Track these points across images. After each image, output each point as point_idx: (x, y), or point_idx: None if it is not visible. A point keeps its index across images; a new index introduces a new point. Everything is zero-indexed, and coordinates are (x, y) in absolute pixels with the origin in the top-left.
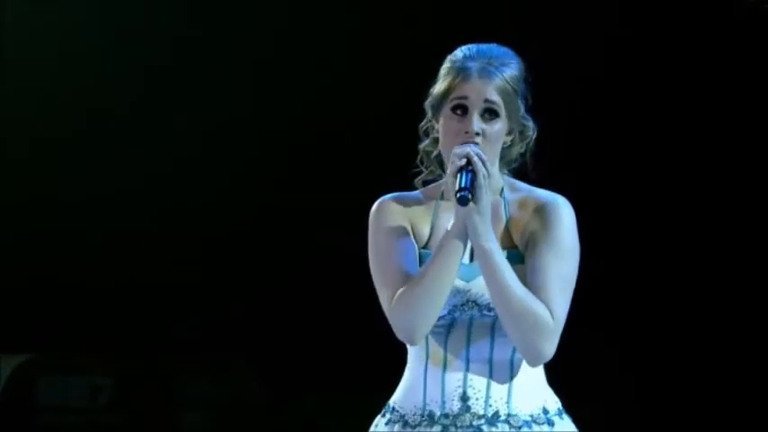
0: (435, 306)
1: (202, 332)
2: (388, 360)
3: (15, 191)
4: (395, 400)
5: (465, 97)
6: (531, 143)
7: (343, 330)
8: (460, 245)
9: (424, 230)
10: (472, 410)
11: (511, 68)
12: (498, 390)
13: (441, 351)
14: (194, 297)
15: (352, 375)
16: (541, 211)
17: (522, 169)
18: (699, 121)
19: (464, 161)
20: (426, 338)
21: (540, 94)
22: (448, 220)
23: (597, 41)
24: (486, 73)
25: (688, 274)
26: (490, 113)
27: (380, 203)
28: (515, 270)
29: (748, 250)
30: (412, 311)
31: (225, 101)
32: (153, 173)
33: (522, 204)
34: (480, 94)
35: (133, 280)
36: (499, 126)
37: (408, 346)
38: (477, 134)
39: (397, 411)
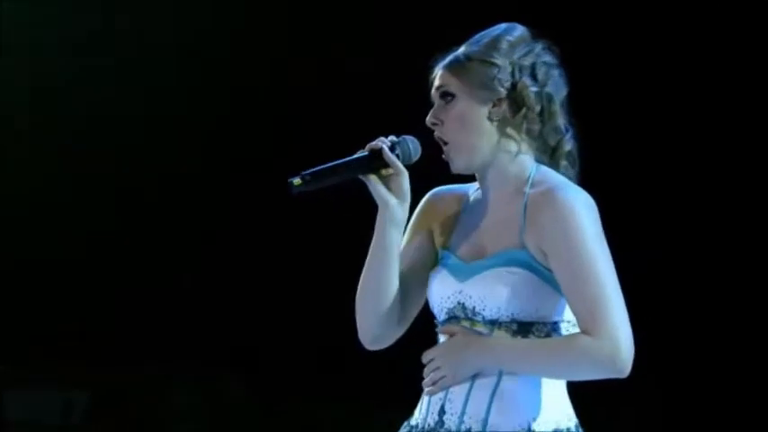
0: (372, 311)
1: (194, 340)
2: (386, 365)
3: None
4: None
5: (431, 98)
6: (549, 107)
7: (339, 336)
8: (385, 250)
9: (450, 228)
10: (446, 426)
11: (473, 45)
12: (476, 406)
13: None
14: (184, 304)
15: (351, 381)
16: (549, 221)
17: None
18: (697, 121)
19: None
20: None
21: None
22: (470, 219)
23: (596, 41)
24: (441, 64)
25: (689, 275)
26: (445, 97)
27: (427, 197)
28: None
29: (749, 250)
30: (358, 314)
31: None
32: (153, 171)
33: (538, 200)
34: (433, 86)
35: (112, 286)
36: (459, 105)
37: None
38: (435, 124)
39: (409, 423)
